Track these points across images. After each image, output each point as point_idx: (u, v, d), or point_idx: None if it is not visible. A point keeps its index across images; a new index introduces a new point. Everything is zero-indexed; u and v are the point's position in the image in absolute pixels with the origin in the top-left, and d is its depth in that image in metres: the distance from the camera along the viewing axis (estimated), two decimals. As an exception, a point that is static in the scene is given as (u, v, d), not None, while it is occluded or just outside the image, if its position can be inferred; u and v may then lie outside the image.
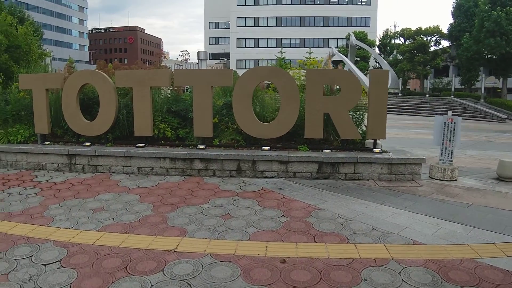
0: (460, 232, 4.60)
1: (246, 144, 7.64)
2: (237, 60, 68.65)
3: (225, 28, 77.17)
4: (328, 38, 65.36)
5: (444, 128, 7.23)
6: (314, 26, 67.19)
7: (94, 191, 6.25)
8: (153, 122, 7.75)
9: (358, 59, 49.74)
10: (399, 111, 32.96)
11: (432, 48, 46.84)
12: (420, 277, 3.48)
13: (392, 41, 53.97)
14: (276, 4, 68.06)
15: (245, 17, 69.28)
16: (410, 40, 47.86)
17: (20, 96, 8.57)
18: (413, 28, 48.64)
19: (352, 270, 3.60)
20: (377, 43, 55.63)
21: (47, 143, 8.21)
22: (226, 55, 74.53)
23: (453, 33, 40.91)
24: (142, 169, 7.40)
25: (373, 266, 3.67)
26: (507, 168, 7.25)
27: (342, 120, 7.11)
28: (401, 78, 45.24)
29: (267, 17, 68.49)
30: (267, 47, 66.50)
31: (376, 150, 7.27)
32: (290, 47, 59.88)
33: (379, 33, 58.02)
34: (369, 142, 7.60)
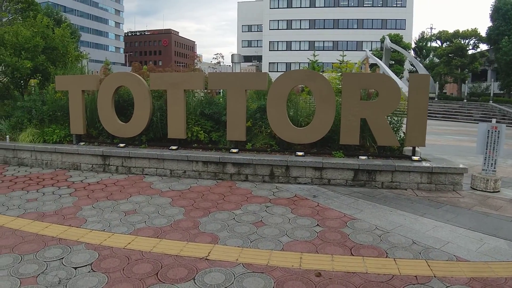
0: (505, 248, 4.30)
1: (279, 149, 7.49)
2: (269, 63, 68.70)
3: (258, 31, 77.42)
4: (362, 41, 64.42)
5: (488, 136, 6.86)
6: (347, 28, 66.43)
7: (127, 193, 6.25)
8: (186, 125, 7.72)
9: (393, 62, 48.75)
10: (436, 116, 31.98)
11: (470, 52, 45.33)
12: (467, 298, 3.24)
13: (428, 44, 52.63)
14: (309, 7, 67.71)
15: (278, 20, 69.29)
16: (447, 43, 46.52)
17: (56, 97, 8.73)
18: (450, 30, 47.29)
19: (392, 287, 3.39)
20: (413, 46, 54.36)
21: (82, 143, 8.33)
22: (259, 58, 74.71)
23: (492, 37, 39.40)
24: (175, 171, 7.38)
25: (414, 284, 3.44)
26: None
27: (380, 126, 6.85)
28: (437, 82, 44.02)
29: (300, 19, 68.24)
30: (299, 50, 66.23)
31: (415, 158, 6.97)
32: (323, 50, 59.34)
33: (415, 35, 56.85)
34: (407, 149, 7.31)
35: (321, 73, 8.19)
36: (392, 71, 32.61)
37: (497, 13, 38.28)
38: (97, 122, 8.37)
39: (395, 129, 7.49)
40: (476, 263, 3.93)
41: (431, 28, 67.52)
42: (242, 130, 7.33)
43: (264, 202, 5.78)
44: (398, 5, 65.34)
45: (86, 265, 3.72)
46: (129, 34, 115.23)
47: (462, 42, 44.89)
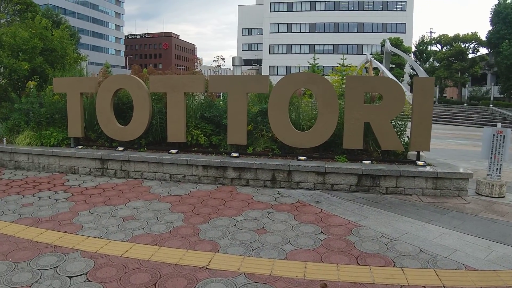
0: (513, 256, 4.16)
1: (281, 153, 7.35)
2: (269, 66, 68.69)
3: (258, 34, 77.50)
4: (362, 45, 64.43)
5: (493, 141, 6.73)
6: (348, 32, 66.45)
7: (125, 198, 6.11)
8: (186, 128, 7.59)
9: (393, 66, 48.65)
10: (436, 120, 31.82)
11: (470, 56, 45.25)
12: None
13: (429, 48, 52.57)
14: (310, 10, 67.75)
15: (278, 23, 69.33)
16: (448, 47, 46.42)
17: (54, 99, 8.60)
18: (451, 34, 47.20)
19: (402, 299, 3.24)
20: (413, 49, 54.31)
21: (80, 146, 8.19)
22: (259, 61, 74.73)
23: (492, 40, 39.31)
24: (174, 176, 7.23)
25: (424, 295, 3.31)
26: None
27: (384, 130, 6.72)
28: (438, 86, 43.92)
29: (300, 23, 68.28)
30: (300, 53, 66.25)
31: (420, 162, 6.83)
32: (323, 54, 59.31)
33: (415, 39, 56.74)
34: (411, 154, 7.16)
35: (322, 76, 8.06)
36: (392, 74, 32.45)
37: (497, 17, 38.24)
38: (96, 125, 8.23)
39: (399, 133, 7.35)
40: (485, 271, 3.80)
41: (431, 32, 67.76)
42: (243, 133, 7.19)
43: (266, 208, 5.63)
44: (398, 9, 65.40)
45: (81, 274, 3.57)
46: (130, 37, 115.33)
47: (462, 46, 44.78)
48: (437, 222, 5.17)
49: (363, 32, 65.96)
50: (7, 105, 9.62)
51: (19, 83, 10.32)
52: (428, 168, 6.62)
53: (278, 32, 69.67)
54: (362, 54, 51.25)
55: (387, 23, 65.06)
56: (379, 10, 65.51)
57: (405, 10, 65.06)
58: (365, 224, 5.03)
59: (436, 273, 3.71)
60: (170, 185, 6.93)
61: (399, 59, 48.63)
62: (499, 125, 6.96)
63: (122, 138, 7.85)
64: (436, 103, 39.14)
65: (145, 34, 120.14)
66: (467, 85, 44.53)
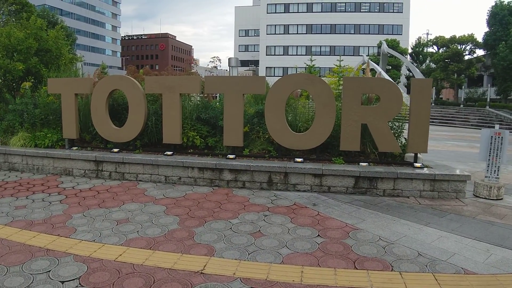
0: (512, 259, 4.12)
1: (277, 155, 7.28)
2: (266, 67, 68.68)
3: (254, 35, 77.47)
4: (359, 46, 64.53)
5: (491, 143, 6.70)
6: (344, 33, 66.56)
7: (119, 200, 6.03)
8: (182, 129, 7.52)
9: (390, 67, 48.72)
10: (433, 122, 31.87)
11: (466, 57, 45.37)
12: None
13: (425, 50, 52.69)
14: (306, 12, 67.81)
15: (275, 25, 69.36)
16: (444, 48, 46.50)
17: (49, 100, 8.50)
18: (447, 36, 47.35)
19: (400, 304, 3.19)
20: (410, 51, 54.45)
21: (74, 148, 8.10)
22: (255, 63, 74.71)
23: (489, 42, 39.43)
24: (170, 178, 7.16)
25: (423, 300, 3.25)
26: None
27: (381, 131, 6.67)
28: (434, 87, 43.99)
29: (297, 24, 68.34)
30: (296, 55, 66.27)
31: (417, 164, 6.78)
32: (320, 55, 59.35)
33: (412, 41, 56.87)
34: (409, 155, 7.12)
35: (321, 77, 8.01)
36: (389, 76, 32.49)
37: (494, 19, 38.38)
38: (91, 126, 8.14)
39: (397, 135, 7.30)
40: (484, 275, 3.76)
41: (428, 34, 67.65)
42: (239, 135, 7.13)
43: (262, 211, 5.56)
44: (395, 11, 65.55)
45: (73, 279, 3.50)
46: (126, 38, 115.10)
47: (459, 47, 44.87)
48: (435, 225, 5.12)
49: (359, 33, 66.09)
50: (1, 106, 9.50)
51: (14, 84, 10.22)
52: (425, 170, 6.57)
53: (275, 33, 69.70)
54: (359, 55, 51.42)
55: (383, 24, 65.22)
56: (376, 12, 65.67)
57: (402, 12, 65.22)
58: (363, 227, 4.98)
59: (435, 277, 3.66)
60: (165, 187, 6.85)
61: (395, 61, 48.73)
62: (497, 126, 6.94)
63: (117, 139, 7.77)
64: (433, 104, 39.20)
65: (141, 35, 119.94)
66: (463, 87, 44.65)
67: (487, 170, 6.75)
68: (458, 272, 3.80)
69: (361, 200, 6.20)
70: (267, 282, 3.49)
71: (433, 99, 40.74)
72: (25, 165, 8.04)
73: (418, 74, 33.76)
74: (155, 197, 6.23)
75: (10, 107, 8.63)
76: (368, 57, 45.12)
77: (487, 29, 39.75)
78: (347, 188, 6.57)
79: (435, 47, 49.54)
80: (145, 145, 8.00)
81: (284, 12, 69.02)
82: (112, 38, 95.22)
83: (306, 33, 68.30)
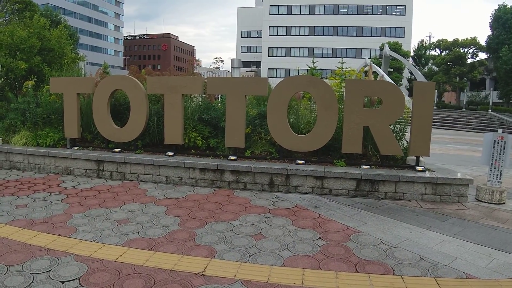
0: (514, 264, 4.10)
1: (279, 157, 7.27)
2: (268, 69, 68.67)
3: (257, 37, 77.51)
4: (361, 48, 64.45)
5: (494, 147, 6.67)
6: (347, 36, 66.49)
7: (120, 200, 6.02)
8: (183, 130, 7.51)
9: (392, 70, 48.70)
10: (435, 125, 31.79)
11: (469, 60, 45.32)
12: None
13: (427, 52, 52.66)
14: (309, 14, 67.79)
15: (278, 26, 69.34)
16: (446, 51, 46.51)
17: (51, 99, 8.52)
18: (450, 39, 47.32)
19: (402, 309, 3.17)
20: (412, 54, 54.40)
21: (76, 147, 8.10)
22: (257, 64, 74.71)
23: (491, 45, 39.37)
24: (171, 178, 7.15)
25: (425, 305, 3.23)
26: None
27: (383, 134, 6.65)
28: (436, 91, 43.95)
29: (300, 26, 68.30)
30: (298, 57, 66.20)
31: (419, 168, 6.76)
32: (322, 57, 59.28)
33: (414, 44, 56.86)
34: (410, 159, 7.10)
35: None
36: (391, 79, 32.48)
37: (497, 22, 38.31)
38: (92, 126, 8.15)
39: (398, 138, 7.29)
40: (486, 280, 3.74)
41: (430, 37, 67.82)
42: (241, 136, 7.12)
43: (263, 213, 5.55)
44: (397, 13, 65.48)
45: (74, 279, 3.49)
46: (129, 38, 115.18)
47: (461, 50, 44.87)
48: (437, 229, 5.10)
49: (362, 36, 66.04)
50: (3, 104, 9.53)
51: (16, 83, 10.24)
52: (427, 174, 6.55)
53: (277, 35, 69.68)
54: (361, 58, 51.29)
55: (386, 27, 65.15)
56: (378, 14, 65.62)
57: (404, 15, 65.16)
58: (364, 230, 4.96)
59: (437, 282, 3.64)
60: (166, 188, 6.84)
61: (397, 64, 48.68)
62: (500, 130, 6.91)
63: (118, 139, 7.77)
64: (435, 107, 39.14)
65: (144, 35, 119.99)
66: (465, 90, 44.60)
67: (490, 174, 6.72)
68: (460, 277, 3.78)
69: (363, 203, 6.18)
70: (268, 285, 3.47)
71: (435, 102, 40.70)
72: (27, 164, 8.04)
73: (420, 77, 33.77)
74: (156, 198, 6.21)
75: (12, 106, 8.64)
76: (370, 59, 45.12)
77: (490, 33, 39.71)
78: (348, 191, 6.55)
79: (438, 50, 49.56)
80: (147, 145, 7.99)
81: (286, 14, 68.99)
82: (114, 38, 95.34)
83: (308, 35, 68.26)
